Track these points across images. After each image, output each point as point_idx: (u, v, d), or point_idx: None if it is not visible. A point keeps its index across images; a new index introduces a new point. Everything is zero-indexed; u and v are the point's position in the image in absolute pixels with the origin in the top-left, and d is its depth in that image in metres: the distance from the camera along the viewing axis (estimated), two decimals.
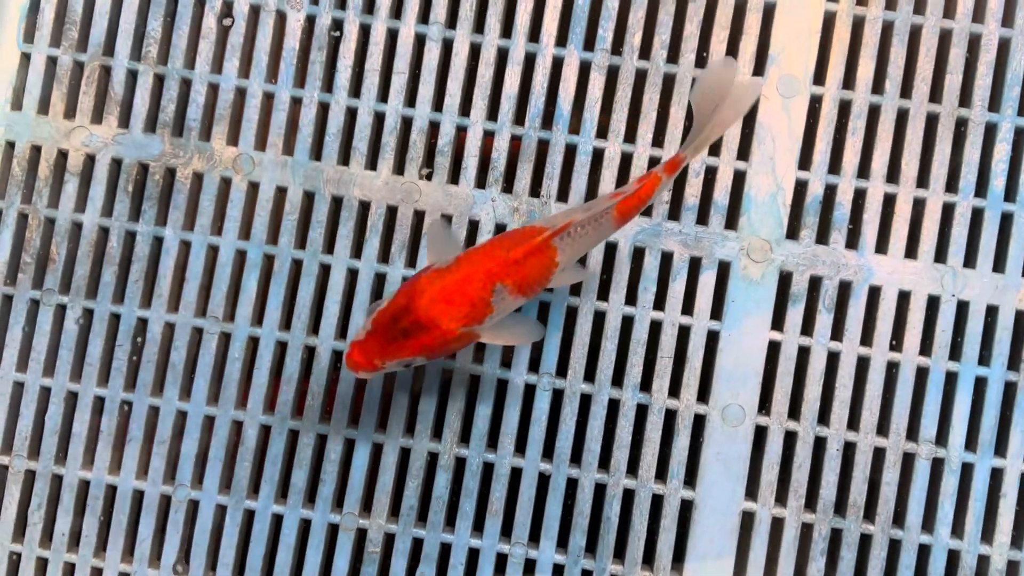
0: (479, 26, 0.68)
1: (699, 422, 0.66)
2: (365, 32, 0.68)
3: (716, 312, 0.66)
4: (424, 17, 0.67)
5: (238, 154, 0.67)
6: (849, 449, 0.65)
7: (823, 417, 0.65)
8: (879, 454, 0.65)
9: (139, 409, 0.66)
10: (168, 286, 0.67)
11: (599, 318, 0.66)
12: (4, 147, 0.68)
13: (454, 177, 0.67)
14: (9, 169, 0.68)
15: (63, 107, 0.68)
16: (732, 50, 0.67)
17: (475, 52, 0.67)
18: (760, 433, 0.65)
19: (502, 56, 0.67)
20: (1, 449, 0.66)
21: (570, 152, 0.67)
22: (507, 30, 0.68)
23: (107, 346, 0.67)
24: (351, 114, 0.68)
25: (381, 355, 0.53)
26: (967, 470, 0.65)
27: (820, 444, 0.65)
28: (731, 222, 0.66)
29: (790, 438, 0.65)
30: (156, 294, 0.67)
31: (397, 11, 0.68)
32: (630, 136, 0.67)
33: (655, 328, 0.66)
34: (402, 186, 0.67)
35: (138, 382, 0.66)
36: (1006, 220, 0.66)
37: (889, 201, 0.66)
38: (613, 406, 0.66)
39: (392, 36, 0.68)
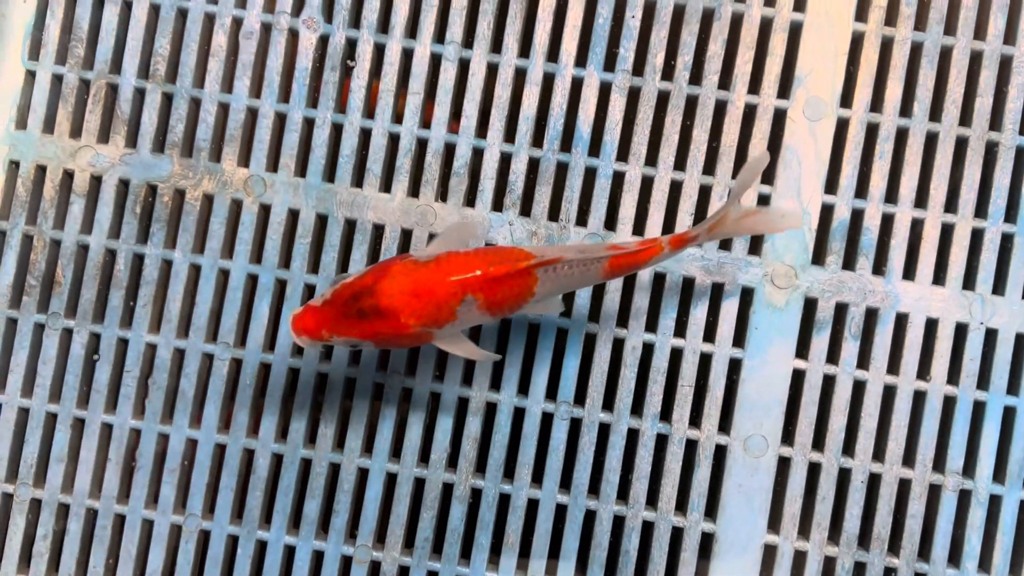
0: (496, 46, 0.66)
1: (720, 453, 0.64)
2: (380, 51, 0.66)
3: (739, 340, 0.65)
4: (440, 36, 0.66)
5: (249, 175, 0.65)
6: (874, 480, 0.64)
7: (847, 448, 0.64)
8: (905, 486, 0.64)
9: (148, 437, 0.65)
10: (177, 311, 0.65)
11: (618, 345, 0.64)
12: (8, 167, 0.66)
13: (470, 200, 0.66)
14: (13, 190, 0.66)
15: (69, 126, 0.66)
16: (757, 71, 0.65)
17: (492, 72, 0.66)
18: (783, 464, 0.64)
19: (520, 76, 0.66)
20: (6, 477, 0.65)
21: (590, 175, 0.65)
22: (525, 50, 0.66)
23: (115, 372, 0.65)
24: (365, 135, 0.66)
25: (331, 328, 0.52)
26: (995, 502, 0.63)
27: (844, 475, 0.64)
28: (754, 247, 0.65)
29: (813, 469, 0.64)
30: (165, 319, 0.65)
31: (412, 30, 0.66)
32: (651, 159, 0.65)
33: (675, 356, 0.64)
34: (417, 209, 0.65)
35: (147, 409, 0.65)
36: None
37: (917, 226, 0.64)
38: (632, 436, 0.64)
39: (407, 55, 0.66)
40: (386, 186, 0.66)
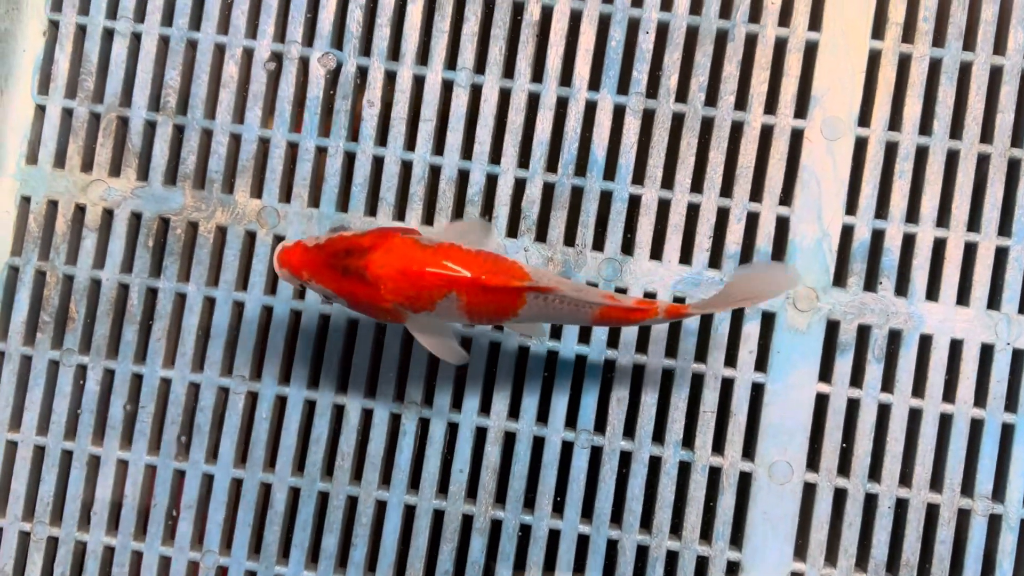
0: (508, 71, 0.65)
1: (745, 480, 0.63)
2: (391, 78, 0.65)
3: (761, 364, 0.64)
4: (452, 62, 0.65)
5: (262, 207, 0.65)
6: (901, 506, 0.63)
7: (874, 472, 0.63)
8: (933, 511, 0.62)
9: (164, 473, 0.64)
10: (192, 344, 0.64)
11: (638, 371, 0.63)
12: (20, 202, 0.66)
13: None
14: (25, 225, 0.65)
15: (80, 160, 0.66)
16: (773, 91, 0.64)
17: (505, 97, 0.65)
18: (808, 490, 0.63)
19: (533, 101, 0.65)
20: (23, 516, 0.64)
21: (605, 199, 0.64)
22: (538, 74, 0.65)
23: (130, 407, 0.65)
24: (378, 163, 0.65)
25: (312, 273, 0.52)
26: None
27: (871, 501, 0.63)
28: None
29: (840, 495, 0.63)
30: (180, 352, 0.64)
31: (424, 56, 0.65)
32: (667, 182, 0.64)
33: (697, 381, 0.63)
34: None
35: (163, 444, 0.64)
36: None
37: (939, 246, 0.63)
38: (654, 464, 0.63)
39: (419, 82, 0.65)
40: (400, 214, 0.65)
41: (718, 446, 0.64)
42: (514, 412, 0.64)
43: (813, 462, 0.63)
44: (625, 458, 0.63)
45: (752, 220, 0.64)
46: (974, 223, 0.64)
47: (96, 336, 0.65)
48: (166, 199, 0.65)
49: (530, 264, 0.63)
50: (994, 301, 0.63)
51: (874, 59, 0.64)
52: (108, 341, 0.65)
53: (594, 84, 0.65)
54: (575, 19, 0.65)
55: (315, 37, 0.65)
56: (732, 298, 0.54)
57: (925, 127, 0.64)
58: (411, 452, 0.63)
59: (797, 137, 0.64)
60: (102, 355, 0.65)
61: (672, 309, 0.53)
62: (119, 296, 0.65)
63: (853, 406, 0.63)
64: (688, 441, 0.63)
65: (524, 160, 0.65)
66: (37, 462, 0.65)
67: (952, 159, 0.64)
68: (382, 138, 0.66)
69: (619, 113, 0.65)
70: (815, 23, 0.64)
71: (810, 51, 0.64)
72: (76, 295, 0.65)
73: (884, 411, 0.63)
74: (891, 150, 0.64)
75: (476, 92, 0.65)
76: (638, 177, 0.64)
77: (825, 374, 0.63)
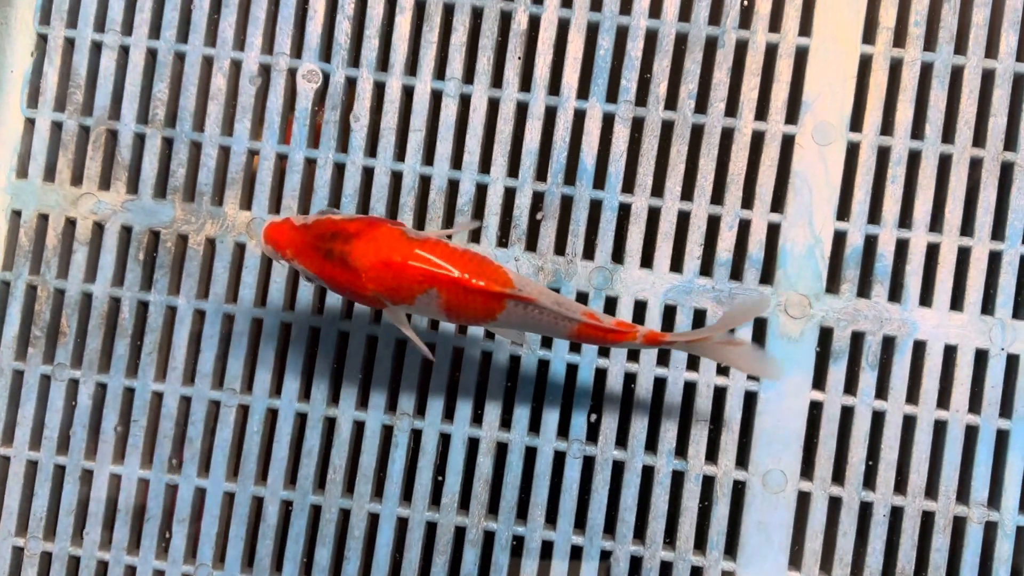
0: (497, 80, 0.65)
1: (738, 489, 0.63)
2: (380, 89, 0.65)
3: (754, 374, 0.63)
4: (440, 73, 0.65)
5: (252, 218, 0.65)
6: (896, 514, 0.62)
7: (868, 480, 0.62)
8: (928, 518, 0.62)
9: (156, 487, 0.64)
10: (183, 357, 0.64)
11: (629, 380, 0.63)
12: (10, 216, 0.66)
13: (475, 235, 0.65)
14: (16, 239, 0.65)
15: (69, 174, 0.66)
16: (764, 97, 0.64)
17: (493, 107, 0.65)
18: (803, 499, 0.62)
19: (521, 111, 0.65)
20: (16, 530, 0.64)
21: (595, 208, 0.64)
22: (526, 84, 0.65)
23: (122, 421, 0.65)
24: (367, 174, 0.65)
25: (296, 253, 0.52)
26: (1022, 534, 0.61)
27: (866, 509, 0.62)
28: (767, 277, 0.64)
29: (834, 503, 0.62)
30: (171, 366, 0.64)
31: (412, 67, 0.65)
32: (657, 190, 0.64)
33: (689, 390, 0.63)
34: None
35: (155, 458, 0.64)
36: None
37: (932, 251, 0.63)
38: (647, 473, 0.63)
39: (408, 93, 0.65)
40: None
41: (711, 455, 0.63)
42: (506, 422, 0.64)
43: (807, 470, 0.63)
44: (618, 468, 0.63)
45: (743, 227, 0.64)
46: (967, 228, 0.63)
47: (88, 350, 0.65)
48: (156, 212, 0.65)
49: (518, 272, 0.62)
50: (988, 306, 0.63)
51: (865, 64, 0.64)
52: (100, 355, 0.65)
53: (583, 93, 0.64)
54: (563, 28, 0.65)
55: (303, 49, 0.65)
56: (711, 349, 0.54)
57: (917, 131, 0.63)
58: (403, 464, 0.63)
59: (788, 143, 0.63)
60: (94, 369, 0.65)
61: (651, 336, 0.53)
62: (110, 310, 0.65)
63: (847, 413, 0.63)
64: (681, 450, 0.63)
65: (513, 170, 0.65)
66: (30, 477, 0.65)
67: (944, 163, 0.63)
68: (371, 149, 0.65)
69: (608, 121, 0.64)
70: (805, 28, 0.64)
71: (800, 56, 0.64)
72: (67, 309, 0.65)
73: (878, 418, 0.62)
74: (883, 155, 0.63)
75: (465, 102, 0.65)
76: (628, 185, 0.64)
77: (819, 382, 0.63)
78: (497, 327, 0.54)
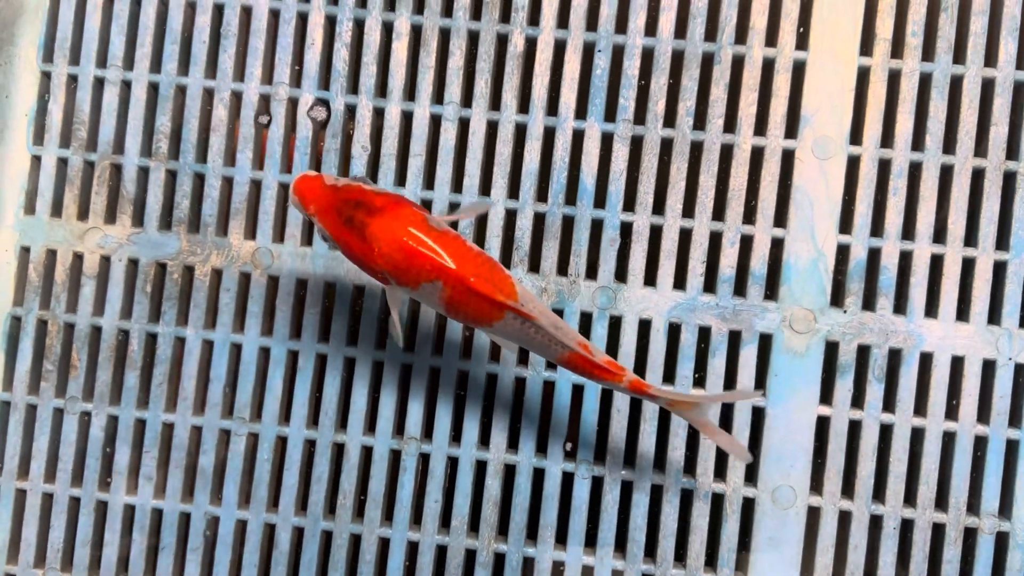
0: (495, 103, 0.65)
1: (748, 505, 0.63)
2: (380, 115, 0.66)
3: (760, 388, 0.63)
4: (439, 97, 0.65)
5: (256, 248, 0.65)
6: (906, 527, 0.62)
7: (878, 494, 0.62)
8: (938, 530, 0.62)
9: (170, 516, 0.65)
10: (193, 388, 0.65)
11: (636, 399, 0.63)
12: (19, 253, 0.66)
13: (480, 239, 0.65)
14: (25, 275, 0.66)
15: (76, 209, 0.66)
16: (763, 112, 0.64)
17: (492, 130, 0.65)
18: (813, 514, 0.62)
19: (520, 132, 0.65)
20: (34, 563, 0.65)
21: (597, 227, 0.64)
22: (524, 105, 0.65)
23: (134, 453, 0.65)
24: None
25: (319, 210, 0.52)
26: None
27: (876, 523, 0.62)
28: (771, 292, 0.64)
29: (844, 518, 0.62)
30: (181, 397, 0.65)
31: (411, 93, 0.66)
32: (659, 208, 0.64)
33: None
34: None
35: (168, 488, 0.65)
36: None
37: (937, 262, 0.63)
38: (656, 492, 0.63)
39: (407, 118, 0.65)
40: None
41: (720, 472, 0.63)
42: (513, 444, 0.64)
43: (816, 485, 0.63)
44: (627, 487, 0.63)
45: (746, 243, 0.64)
46: (971, 238, 0.63)
47: (99, 383, 0.65)
48: (162, 244, 0.66)
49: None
50: (994, 316, 0.62)
51: (863, 76, 0.63)
52: (111, 387, 0.65)
53: (581, 113, 0.64)
54: (559, 49, 0.65)
55: (303, 77, 0.65)
56: (693, 414, 0.55)
57: (918, 143, 0.63)
58: (412, 488, 0.64)
59: (788, 158, 0.63)
60: (105, 401, 0.65)
61: (636, 384, 0.54)
62: (119, 342, 0.66)
63: (855, 427, 0.62)
64: (690, 468, 0.63)
65: (514, 191, 0.65)
66: (46, 509, 0.66)
67: (946, 174, 0.63)
68: (372, 174, 0.66)
69: (607, 140, 0.65)
70: (802, 42, 0.64)
71: (798, 71, 0.64)
72: (77, 343, 0.66)
73: (886, 431, 0.62)
74: (884, 167, 0.63)
75: (464, 125, 0.65)
76: (629, 204, 0.64)
77: (826, 396, 0.63)
78: (492, 334, 0.54)
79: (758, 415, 0.63)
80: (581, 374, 0.54)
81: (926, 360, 0.62)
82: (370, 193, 0.52)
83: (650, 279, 0.64)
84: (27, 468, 0.66)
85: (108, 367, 0.65)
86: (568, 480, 0.63)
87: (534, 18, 0.65)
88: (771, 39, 0.64)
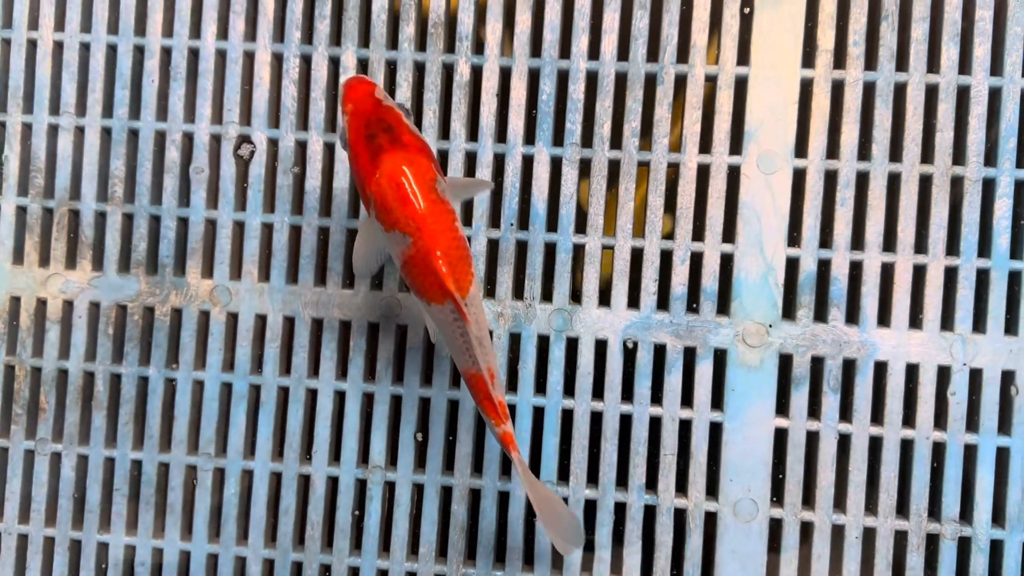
0: (444, 132, 0.66)
1: (711, 519, 0.63)
2: (330, 150, 0.66)
3: (717, 403, 0.64)
4: None
5: (214, 286, 0.66)
6: (869, 535, 0.62)
7: (839, 503, 0.63)
8: (901, 538, 0.62)
9: (143, 553, 0.66)
10: (158, 426, 0.66)
11: (596, 419, 0.64)
12: None
13: None
14: None
15: (37, 256, 0.67)
16: (707, 130, 0.64)
17: (443, 158, 0.65)
18: (775, 526, 0.63)
19: (471, 160, 0.65)
20: None
21: (550, 251, 0.65)
22: (473, 133, 0.66)
23: (104, 491, 0.66)
24: (324, 234, 0.66)
25: (352, 115, 0.53)
26: (996, 548, 0.61)
27: (838, 532, 0.62)
28: (723, 308, 0.64)
29: (806, 528, 0.63)
30: (147, 435, 0.66)
31: None
32: (609, 229, 0.65)
33: (655, 425, 0.64)
34: (382, 302, 0.65)
35: (139, 524, 0.66)
36: (1014, 279, 0.62)
37: (887, 271, 0.63)
38: (620, 509, 0.64)
39: None
40: (349, 282, 0.66)
41: (682, 487, 0.64)
42: (477, 467, 0.65)
43: (778, 497, 0.63)
44: (590, 506, 0.64)
45: (696, 259, 0.64)
46: (921, 245, 0.63)
47: (67, 424, 0.66)
48: (121, 287, 0.67)
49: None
50: (947, 322, 0.63)
51: (807, 88, 0.64)
52: (79, 428, 0.66)
53: (529, 138, 0.65)
54: (505, 76, 0.65)
55: (252, 115, 0.66)
56: (530, 490, 0.56)
57: (864, 152, 0.63)
58: (379, 516, 0.64)
59: (734, 174, 0.64)
60: (75, 442, 0.66)
61: (506, 437, 0.55)
62: (85, 384, 0.67)
63: (813, 438, 0.63)
64: (652, 485, 0.64)
65: (467, 218, 0.65)
66: (22, 550, 0.67)
67: (894, 182, 0.63)
68: (326, 209, 0.66)
69: (556, 164, 0.65)
70: (743, 58, 0.64)
71: (740, 86, 0.64)
72: (45, 386, 0.67)
73: (844, 441, 0.63)
74: (831, 178, 0.64)
75: None
76: (580, 226, 0.65)
77: (782, 408, 0.63)
78: (427, 313, 0.55)
79: (716, 429, 0.63)
80: (474, 397, 0.55)
81: (881, 369, 0.63)
82: (404, 127, 0.53)
83: (604, 300, 0.64)
84: (1, 510, 0.67)
85: (76, 408, 0.66)
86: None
87: (479, 47, 0.66)
88: (713, 56, 0.64)
